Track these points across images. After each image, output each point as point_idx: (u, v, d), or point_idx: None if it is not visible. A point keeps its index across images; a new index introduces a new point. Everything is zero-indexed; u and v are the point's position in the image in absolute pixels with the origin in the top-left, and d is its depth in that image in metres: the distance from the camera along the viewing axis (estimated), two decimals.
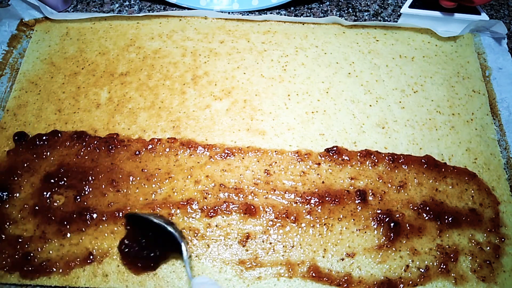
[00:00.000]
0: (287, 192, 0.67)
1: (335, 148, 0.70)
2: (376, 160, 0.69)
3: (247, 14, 0.89)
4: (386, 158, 0.69)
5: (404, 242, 0.64)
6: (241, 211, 0.65)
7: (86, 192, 0.66)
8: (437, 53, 0.82)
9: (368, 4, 0.92)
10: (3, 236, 0.63)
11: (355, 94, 0.77)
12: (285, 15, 0.89)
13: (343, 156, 0.70)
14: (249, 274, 0.62)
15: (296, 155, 0.70)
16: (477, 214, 0.66)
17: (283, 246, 0.63)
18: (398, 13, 0.90)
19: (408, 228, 0.64)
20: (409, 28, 0.84)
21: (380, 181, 0.68)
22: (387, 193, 0.67)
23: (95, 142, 0.70)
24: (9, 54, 0.80)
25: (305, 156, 0.70)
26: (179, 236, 0.60)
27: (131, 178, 0.67)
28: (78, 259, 0.62)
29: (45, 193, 0.66)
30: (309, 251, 0.63)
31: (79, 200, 0.66)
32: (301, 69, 0.79)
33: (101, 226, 0.64)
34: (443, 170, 0.69)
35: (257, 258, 0.62)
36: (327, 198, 0.66)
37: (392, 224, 0.64)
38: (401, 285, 0.61)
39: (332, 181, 0.68)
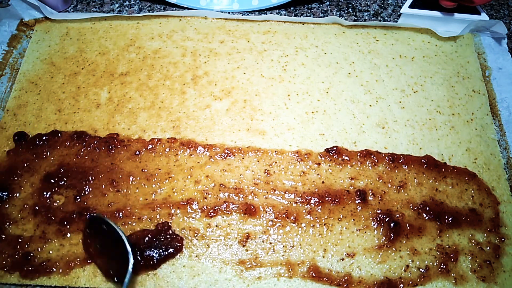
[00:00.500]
0: (287, 192, 0.67)
1: (335, 148, 0.70)
2: (376, 160, 0.69)
3: (247, 14, 0.89)
4: (386, 158, 0.69)
5: (404, 242, 0.64)
6: (241, 211, 0.65)
7: (86, 192, 0.66)
8: (437, 53, 0.82)
9: (368, 4, 0.92)
10: (3, 236, 0.63)
11: (355, 94, 0.77)
12: (285, 15, 0.89)
13: (343, 156, 0.70)
14: (249, 274, 0.62)
15: (296, 155, 0.70)
16: (477, 214, 0.66)
17: (283, 246, 0.63)
18: (398, 13, 0.90)
19: (408, 228, 0.64)
20: (409, 28, 0.84)
21: (380, 181, 0.68)
22: (387, 193, 0.67)
23: (95, 142, 0.70)
24: (9, 54, 0.80)
25: (305, 156, 0.70)
26: (131, 249, 0.57)
27: (131, 178, 0.67)
28: (78, 259, 0.62)
29: (45, 193, 0.66)
30: (309, 251, 0.63)
31: (79, 200, 0.66)
32: (301, 69, 0.79)
33: None
34: (443, 170, 0.69)
35: (257, 258, 0.62)
36: (327, 198, 0.66)
37: (392, 224, 0.64)
38: (401, 285, 0.61)
39: (332, 181, 0.68)
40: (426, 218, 0.65)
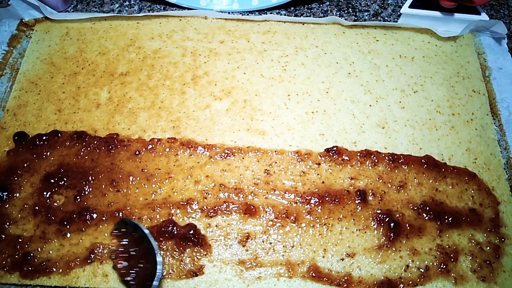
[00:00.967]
0: (287, 192, 0.67)
1: (335, 148, 0.70)
2: (376, 160, 0.69)
3: (247, 14, 0.89)
4: (386, 158, 0.69)
5: (404, 242, 0.64)
6: (241, 211, 0.65)
7: (86, 192, 0.66)
8: (437, 53, 0.82)
9: (368, 4, 0.92)
10: (3, 236, 0.63)
11: (355, 94, 0.77)
12: (285, 15, 0.89)
13: (343, 156, 0.70)
14: (249, 274, 0.62)
15: (296, 155, 0.70)
16: (477, 214, 0.66)
17: (283, 246, 0.63)
18: (398, 13, 0.90)
19: (408, 228, 0.64)
20: (409, 28, 0.84)
21: (380, 181, 0.68)
22: (387, 193, 0.67)
23: (95, 142, 0.70)
24: (9, 54, 0.80)
25: (305, 156, 0.70)
26: (158, 252, 0.58)
27: (131, 178, 0.67)
28: (78, 259, 0.62)
29: (45, 193, 0.66)
30: (309, 251, 0.63)
31: (79, 200, 0.66)
32: (301, 69, 0.79)
33: (101, 226, 0.64)
34: (443, 170, 0.69)
35: (257, 258, 0.62)
36: (327, 198, 0.66)
37: (392, 224, 0.64)
38: (401, 285, 0.61)
39: (332, 181, 0.68)
40: (426, 218, 0.65)
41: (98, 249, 0.62)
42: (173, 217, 0.64)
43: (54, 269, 0.61)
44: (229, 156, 0.70)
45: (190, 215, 0.65)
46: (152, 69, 0.79)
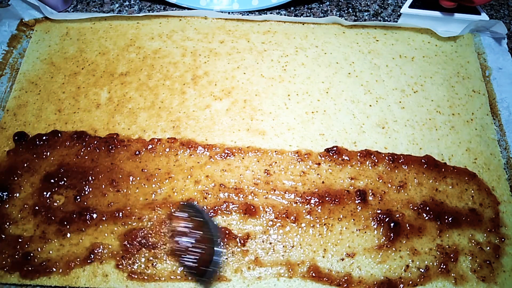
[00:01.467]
0: (287, 192, 0.67)
1: (335, 148, 0.70)
2: (376, 160, 0.69)
3: (247, 14, 0.89)
4: (386, 158, 0.69)
5: (404, 242, 0.64)
6: (241, 211, 0.65)
7: (86, 192, 0.66)
8: (437, 53, 0.82)
9: (368, 4, 0.92)
10: (3, 236, 0.63)
11: (355, 94, 0.77)
12: (285, 15, 0.89)
13: (343, 156, 0.70)
14: (249, 274, 0.62)
15: (296, 155, 0.70)
16: (477, 214, 0.66)
17: (283, 246, 0.63)
18: (398, 13, 0.90)
19: (408, 228, 0.64)
20: (409, 28, 0.84)
21: (380, 181, 0.68)
22: (387, 193, 0.67)
23: (95, 142, 0.70)
24: (9, 54, 0.80)
25: (305, 156, 0.70)
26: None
27: (131, 178, 0.67)
28: (78, 259, 0.62)
29: (45, 193, 0.66)
30: (309, 251, 0.63)
31: (79, 200, 0.66)
32: (301, 69, 0.79)
33: (101, 226, 0.64)
34: (443, 170, 0.69)
35: (257, 258, 0.62)
36: (327, 198, 0.66)
37: (392, 224, 0.64)
38: (401, 285, 0.61)
39: (332, 181, 0.68)
40: (426, 218, 0.65)
41: (98, 249, 0.62)
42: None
43: (54, 269, 0.61)
44: (229, 156, 0.70)
45: None
46: (152, 69, 0.79)
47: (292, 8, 0.91)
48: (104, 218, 0.64)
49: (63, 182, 0.67)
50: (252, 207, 0.65)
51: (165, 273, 0.61)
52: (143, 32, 0.83)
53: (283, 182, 0.68)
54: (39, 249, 0.62)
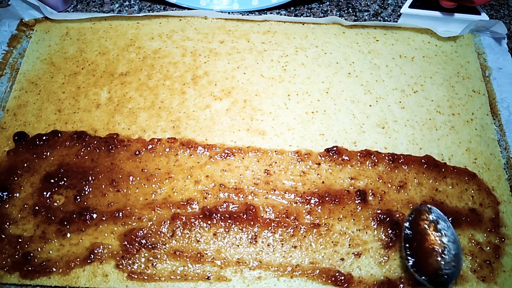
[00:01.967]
0: (287, 192, 0.67)
1: (335, 148, 0.70)
2: (376, 160, 0.69)
3: (247, 14, 0.89)
4: (386, 158, 0.69)
5: None
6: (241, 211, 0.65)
7: (86, 192, 0.66)
8: (437, 53, 0.82)
9: (368, 4, 0.92)
10: (3, 236, 0.63)
11: (355, 94, 0.77)
12: (285, 15, 0.89)
13: (343, 156, 0.70)
14: (249, 274, 0.62)
15: (296, 155, 0.70)
16: (477, 214, 0.66)
17: (283, 246, 0.63)
18: (398, 13, 0.90)
19: None
20: (409, 28, 0.84)
21: (380, 181, 0.68)
22: (387, 193, 0.67)
23: (95, 142, 0.70)
24: (9, 54, 0.80)
25: (305, 156, 0.70)
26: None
27: (131, 178, 0.67)
28: (78, 259, 0.62)
29: (45, 193, 0.66)
30: (309, 251, 0.63)
31: (79, 200, 0.66)
32: (301, 69, 0.79)
33: (101, 226, 0.64)
34: (443, 170, 0.69)
35: (257, 258, 0.62)
36: (327, 198, 0.66)
37: (392, 224, 0.64)
38: (401, 285, 0.61)
39: (332, 181, 0.68)
40: None
41: (98, 249, 0.62)
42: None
43: (54, 269, 0.61)
44: (229, 156, 0.70)
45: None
46: (152, 69, 0.79)
47: (292, 8, 0.91)
48: (104, 218, 0.64)
49: (63, 182, 0.67)
50: (252, 207, 0.65)
51: (165, 273, 0.61)
52: (143, 32, 0.83)
53: (283, 182, 0.68)
54: (39, 249, 0.62)
